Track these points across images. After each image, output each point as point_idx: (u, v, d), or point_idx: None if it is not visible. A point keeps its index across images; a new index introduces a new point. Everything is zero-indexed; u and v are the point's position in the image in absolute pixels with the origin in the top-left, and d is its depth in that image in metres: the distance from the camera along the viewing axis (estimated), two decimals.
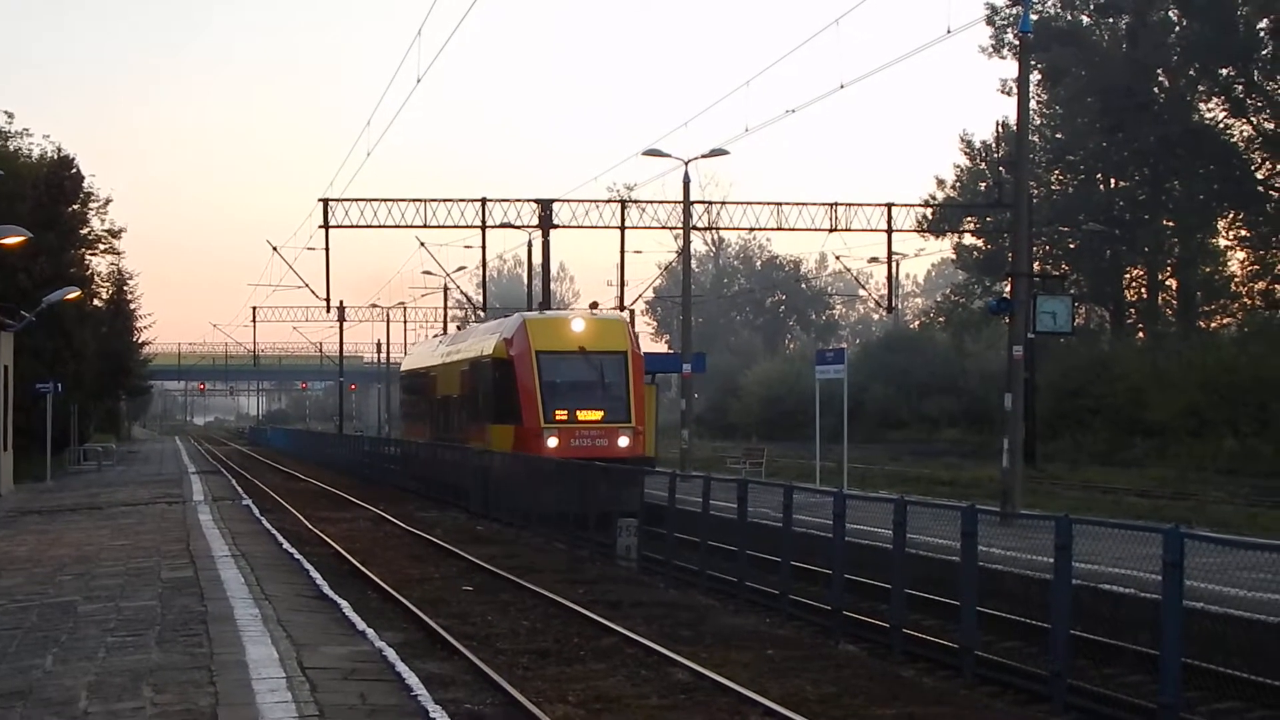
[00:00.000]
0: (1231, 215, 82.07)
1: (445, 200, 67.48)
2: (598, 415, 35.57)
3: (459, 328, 73.43)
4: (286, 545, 30.13)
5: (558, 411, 35.10)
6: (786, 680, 16.40)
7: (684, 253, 64.52)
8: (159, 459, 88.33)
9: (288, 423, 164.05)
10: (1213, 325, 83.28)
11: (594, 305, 49.69)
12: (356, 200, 66.34)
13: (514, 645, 18.93)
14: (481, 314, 69.96)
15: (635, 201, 70.20)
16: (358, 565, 27.50)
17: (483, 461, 38.91)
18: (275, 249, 76.64)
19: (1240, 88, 78.57)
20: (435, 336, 72.43)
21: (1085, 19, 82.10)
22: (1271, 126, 77.63)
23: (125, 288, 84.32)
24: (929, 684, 17.30)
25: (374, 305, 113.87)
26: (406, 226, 67.82)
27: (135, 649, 15.95)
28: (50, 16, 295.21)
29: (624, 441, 34.87)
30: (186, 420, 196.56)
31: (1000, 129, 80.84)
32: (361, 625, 18.23)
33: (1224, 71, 78.17)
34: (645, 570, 28.59)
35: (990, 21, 78.44)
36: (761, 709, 14.65)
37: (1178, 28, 79.91)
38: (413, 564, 29.03)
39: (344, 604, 20.26)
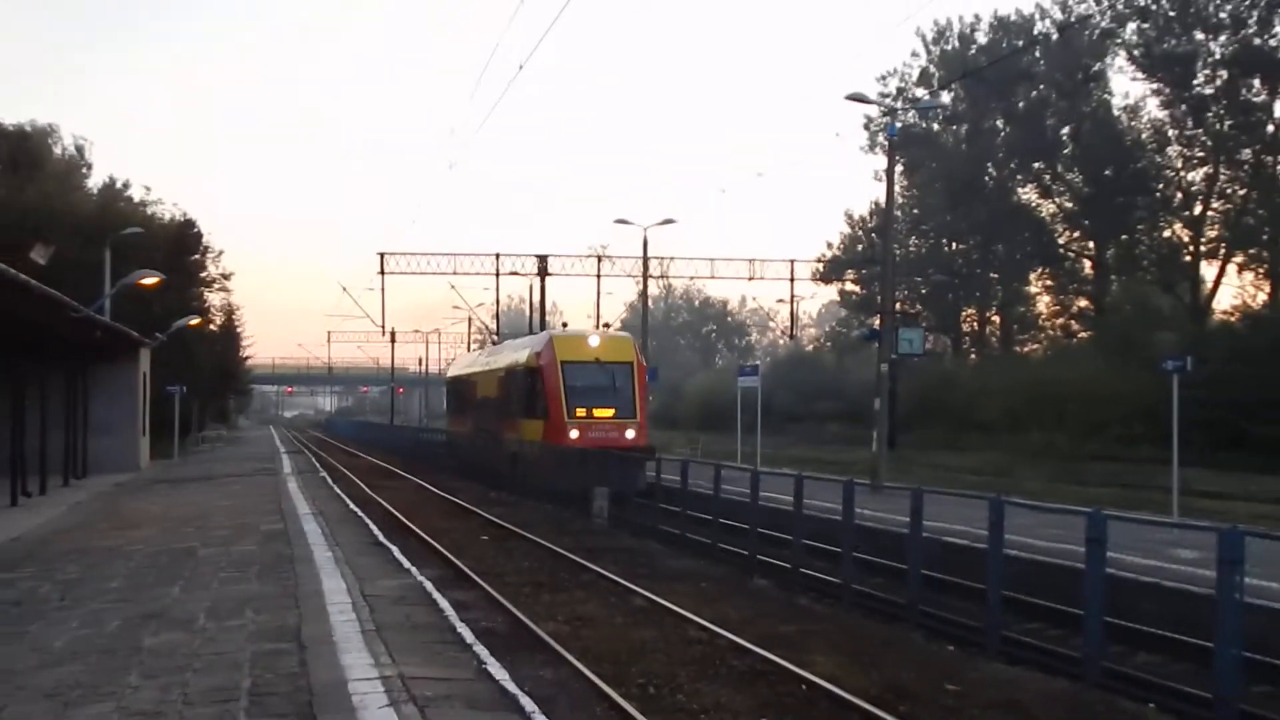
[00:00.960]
0: (1040, 270, 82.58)
1: (469, 254, 68.99)
2: (610, 412, 34.53)
3: (480, 347, 72.56)
4: (352, 506, 30.05)
5: (578, 409, 34.04)
6: (715, 606, 16.46)
7: (643, 295, 65.50)
8: (257, 443, 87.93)
9: (352, 417, 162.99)
10: (1025, 350, 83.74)
11: (606, 325, 50.12)
12: (405, 254, 67.15)
13: (517, 579, 18.94)
14: (495, 339, 70.00)
15: (608, 257, 70.84)
16: (404, 520, 27.42)
17: (513, 448, 38.36)
18: (345, 289, 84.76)
19: (1047, 177, 79.08)
20: (475, 350, 70.40)
21: (936, 126, 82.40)
22: (1070, 205, 78.18)
23: (233, 316, 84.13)
24: (819, 609, 17.44)
25: (416, 330, 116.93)
26: (440, 274, 68.66)
27: (240, 582, 15.94)
28: (172, 94, 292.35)
29: (630, 434, 34.21)
30: (278, 414, 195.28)
31: (873, 206, 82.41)
32: (407, 564, 18.25)
33: (1036, 165, 78.61)
34: (614, 526, 28.71)
35: (867, 129, 79.12)
36: (696, 625, 14.79)
37: (1003, 133, 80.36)
38: (444, 520, 28.97)
39: (394, 549, 20.25)
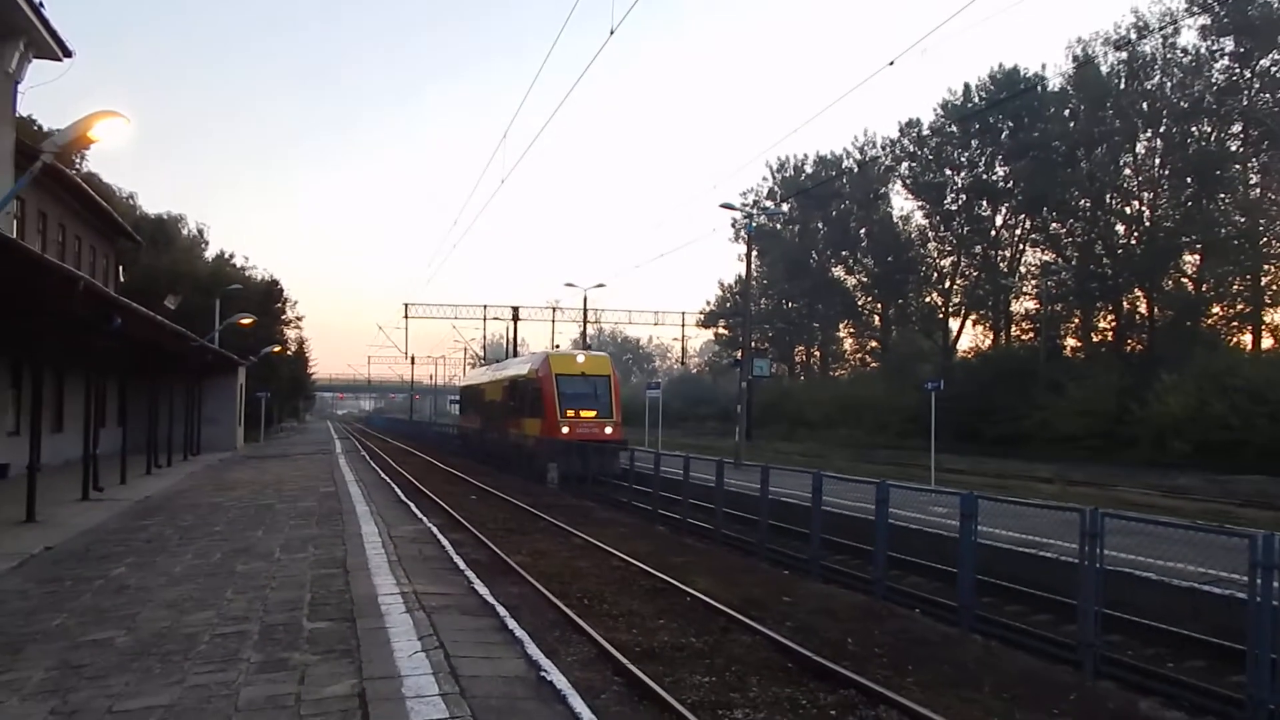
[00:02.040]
0: (845, 321, 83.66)
1: (465, 304, 69.60)
2: (593, 414, 31.29)
3: (482, 364, 71.29)
4: (383, 475, 29.62)
5: (568, 410, 30.98)
6: (629, 543, 16.36)
7: (583, 334, 65.23)
8: (317, 432, 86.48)
9: (384, 415, 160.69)
10: (835, 374, 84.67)
11: (588, 346, 49.68)
12: (421, 304, 66.95)
13: (495, 526, 18.73)
14: (484, 361, 69.68)
15: (560, 308, 70.78)
16: (419, 485, 27.07)
17: (517, 440, 34.98)
18: (380, 327, 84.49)
19: (850, 261, 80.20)
20: (481, 366, 65.25)
21: (778, 225, 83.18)
22: (865, 279, 79.30)
23: (303, 345, 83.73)
24: (699, 546, 17.32)
25: (429, 355, 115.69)
26: (445, 318, 68.74)
27: (304, 527, 15.58)
28: (264, 183, 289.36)
29: (609, 430, 31.09)
30: (333, 412, 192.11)
31: (737, 277, 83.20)
32: (420, 515, 17.93)
33: (843, 252, 79.73)
34: (562, 490, 28.42)
35: (733, 226, 78.97)
36: (617, 557, 14.73)
37: (822, 231, 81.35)
38: (446, 485, 28.64)
39: (412, 505, 19.93)
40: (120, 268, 39.19)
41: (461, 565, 11.96)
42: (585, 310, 61.06)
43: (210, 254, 66.10)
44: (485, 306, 69.01)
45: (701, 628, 10.29)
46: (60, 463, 26.27)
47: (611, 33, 16.68)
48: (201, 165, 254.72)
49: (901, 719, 7.26)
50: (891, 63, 32.50)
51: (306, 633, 8.11)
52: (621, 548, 15.64)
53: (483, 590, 10.26)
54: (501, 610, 9.23)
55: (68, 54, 22.82)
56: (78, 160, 47.12)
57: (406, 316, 68.07)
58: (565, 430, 30.60)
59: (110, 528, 15.82)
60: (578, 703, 6.35)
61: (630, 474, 25.10)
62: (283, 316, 67.72)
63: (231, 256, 67.18)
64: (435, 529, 15.71)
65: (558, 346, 63.87)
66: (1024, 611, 12.13)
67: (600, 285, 60.76)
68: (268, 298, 61.85)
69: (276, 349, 58.00)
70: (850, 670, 8.42)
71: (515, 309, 66.25)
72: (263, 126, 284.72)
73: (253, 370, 50.98)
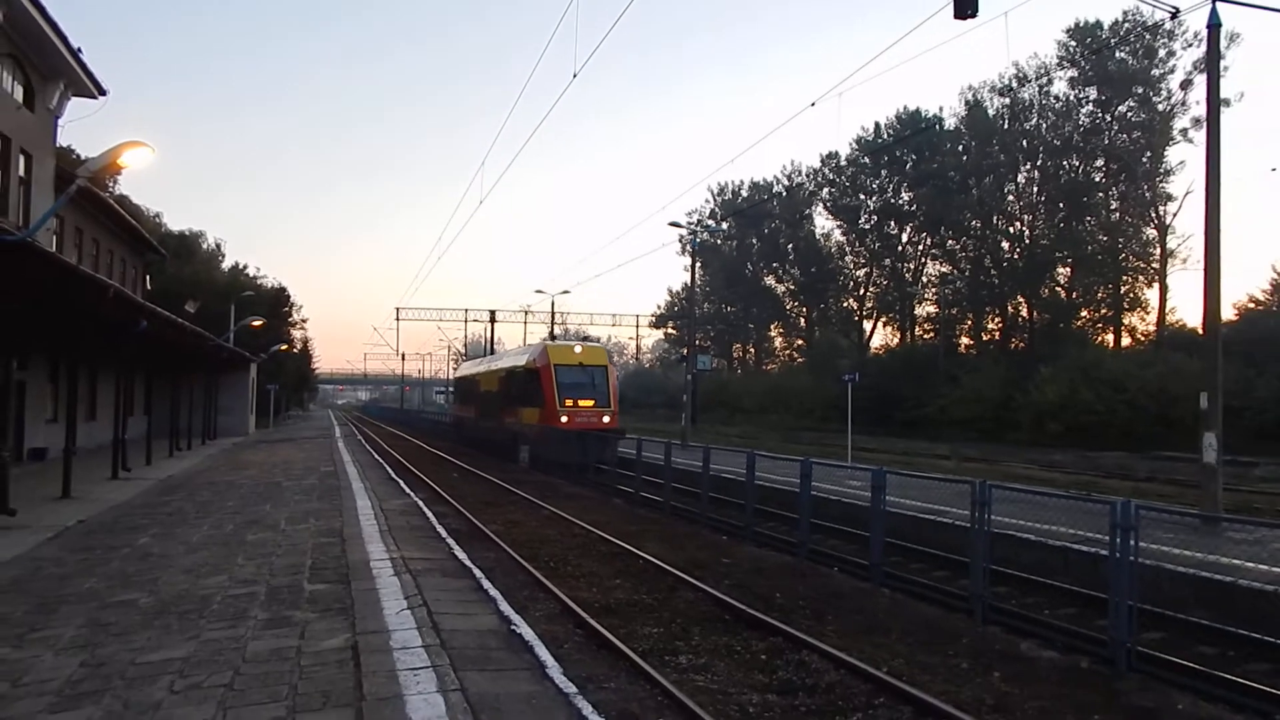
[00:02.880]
0: (775, 323, 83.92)
1: (449, 308, 68.61)
2: (590, 403, 27.71)
3: (456, 365, 70.16)
4: (376, 456, 29.29)
5: (567, 400, 27.38)
6: (590, 514, 16.27)
7: (551, 334, 64.47)
8: (320, 420, 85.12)
9: (378, 404, 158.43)
10: (767, 368, 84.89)
11: (586, 338, 47.61)
12: (411, 308, 66.00)
13: (474, 499, 18.50)
14: (466, 358, 68.83)
15: (531, 311, 69.84)
16: (407, 464, 26.78)
17: (515, 429, 30.60)
18: (375, 328, 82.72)
19: (780, 271, 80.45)
20: (477, 358, 58.88)
21: (719, 240, 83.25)
22: (792, 287, 79.58)
23: (308, 344, 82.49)
24: (651, 516, 17.21)
25: (417, 353, 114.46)
26: (431, 320, 67.64)
27: (307, 502, 15.31)
28: (277, 200, 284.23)
29: (606, 419, 27.63)
30: (334, 402, 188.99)
31: (683, 285, 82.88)
32: (408, 490, 17.72)
33: (774, 264, 79.92)
34: (532, 468, 28.14)
35: (680, 240, 78.72)
36: (580, 526, 14.61)
37: (756, 246, 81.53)
38: (431, 464, 28.37)
39: (400, 482, 19.67)
40: (147, 277, 38.28)
41: (444, 534, 11.81)
42: (553, 313, 60.73)
43: (227, 265, 64.76)
44: (466, 310, 68.57)
45: (652, 586, 10.24)
46: (94, 446, 25.67)
47: (574, 75, 16.56)
48: (220, 187, 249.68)
49: (822, 662, 7.27)
50: (813, 104, 32.56)
51: (307, 594, 7.95)
52: (584, 518, 15.54)
53: (461, 555, 10.13)
54: (478, 573, 9.12)
55: (103, 92, 22.38)
56: (111, 184, 45.86)
57: (398, 319, 67.23)
58: (564, 419, 27.24)
59: (136, 503, 15.43)
60: (543, 652, 6.28)
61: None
62: (290, 319, 66.84)
63: (245, 267, 65.85)
64: (421, 503, 15.51)
65: (555, 337, 60.94)
66: (925, 569, 12.22)
67: (566, 292, 60.53)
68: (277, 303, 60.88)
69: (284, 347, 57.22)
70: (778, 620, 8.43)
71: (492, 312, 65.83)
72: (277, 152, 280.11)
73: (263, 366, 50.18)
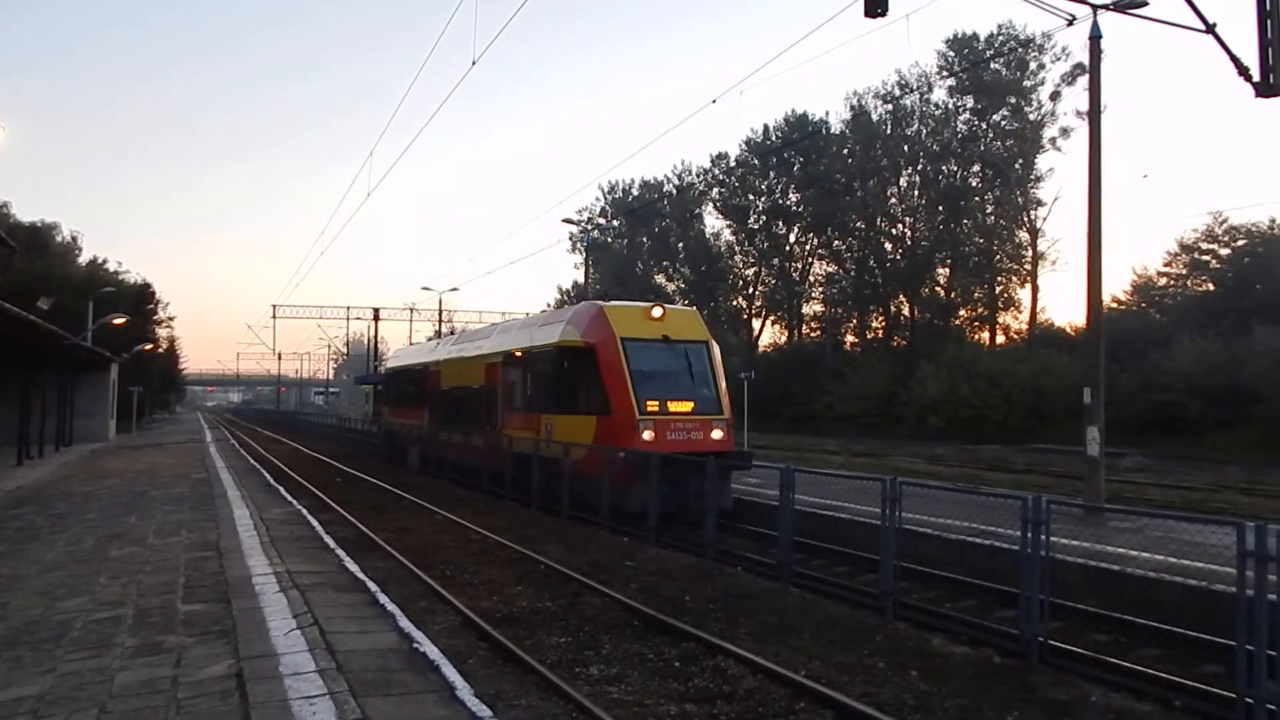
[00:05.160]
0: None
1: (330, 305, 66.18)
2: (688, 406, 16.65)
3: (338, 366, 67.30)
4: (253, 462, 27.85)
5: (649, 402, 16.26)
6: (485, 518, 15.75)
7: (438, 333, 63.21)
8: (188, 423, 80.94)
9: (251, 406, 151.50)
10: None
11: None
12: (289, 305, 63.24)
13: (362, 506, 17.67)
14: (347, 357, 66.52)
15: (417, 310, 67.89)
16: (287, 470, 25.50)
17: (527, 449, 18.52)
18: (249, 326, 78.64)
19: (670, 270, 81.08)
20: (427, 340, 45.27)
21: (610, 239, 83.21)
22: (682, 285, 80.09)
23: (174, 343, 78.49)
24: (549, 520, 16.81)
25: (295, 352, 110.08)
26: (310, 318, 64.73)
27: (178, 512, 14.31)
28: (141, 187, 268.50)
29: (718, 434, 16.56)
30: (202, 404, 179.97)
31: (573, 283, 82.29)
32: (289, 498, 16.85)
33: (665, 263, 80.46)
34: (421, 471, 27.19)
35: (571, 238, 78.35)
36: (475, 531, 14.08)
37: (646, 244, 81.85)
38: (312, 469, 27.09)
39: (281, 489, 18.71)
40: None
41: (331, 544, 11.19)
42: (440, 311, 59.40)
43: (85, 259, 60.73)
44: (348, 308, 65.78)
45: (556, 592, 9.91)
46: None
47: (474, 63, 15.96)
48: (77, 175, 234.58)
49: (739, 667, 7.10)
50: (714, 100, 32.69)
51: (182, 615, 7.30)
52: (479, 522, 15.02)
53: (353, 567, 9.60)
54: (372, 585, 8.63)
55: None
56: None
57: (275, 316, 64.03)
58: (648, 435, 15.88)
59: None
60: (450, 671, 5.90)
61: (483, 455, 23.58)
62: (155, 317, 63.56)
63: (105, 262, 62.00)
64: (305, 510, 14.75)
65: (442, 336, 53.79)
66: (826, 565, 12.31)
67: (454, 289, 59.62)
68: (141, 299, 57.77)
69: (148, 347, 54.26)
70: (690, 625, 8.23)
71: (376, 310, 63.95)
72: (140, 139, 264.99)
73: (125, 366, 47.41)
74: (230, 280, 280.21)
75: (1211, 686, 6.98)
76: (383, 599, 8.00)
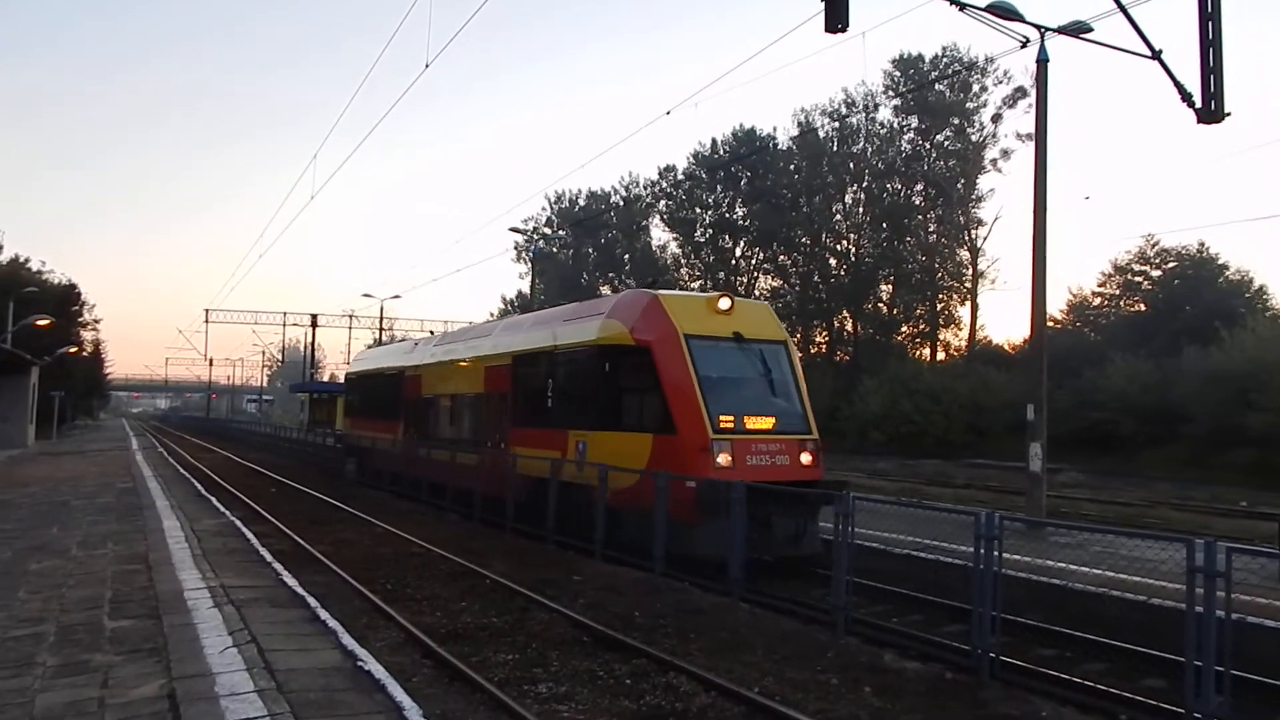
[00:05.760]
0: None
1: (265, 310, 64.51)
2: (769, 423, 12.99)
3: (272, 373, 65.65)
4: (182, 470, 26.99)
5: (722, 418, 12.47)
6: (425, 530, 15.47)
7: (378, 342, 62.17)
8: (113, 430, 78.47)
9: (180, 413, 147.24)
10: None
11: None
12: (222, 310, 61.69)
13: (299, 517, 17.18)
14: (283, 362, 65.07)
15: (356, 316, 66.73)
16: (219, 480, 24.73)
17: (550, 472, 14.81)
18: (180, 330, 76.49)
19: (616, 281, 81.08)
20: (401, 340, 41.35)
21: (556, 248, 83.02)
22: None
23: (99, 346, 76.05)
24: (494, 534, 16.54)
25: (227, 358, 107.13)
26: (245, 323, 63.18)
27: (103, 523, 13.75)
28: (68, 186, 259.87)
29: (806, 458, 13.10)
30: (128, 410, 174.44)
31: (519, 293, 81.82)
32: (222, 509, 16.33)
33: (610, 274, 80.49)
34: (359, 482, 26.56)
35: (517, 248, 78.20)
36: (417, 544, 13.80)
37: (592, 255, 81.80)
38: (246, 479, 26.32)
39: (213, 499, 18.13)
40: None
41: (268, 557, 10.85)
42: (381, 318, 58.53)
43: (5, 257, 58.52)
44: (285, 313, 64.25)
45: (502, 608, 9.72)
46: None
47: (427, 65, 15.73)
48: (2, 173, 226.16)
49: (691, 684, 7.01)
50: (669, 112, 32.83)
51: (109, 632, 6.96)
52: (420, 535, 14.73)
53: (291, 581, 9.30)
54: (311, 601, 8.36)
55: None
56: None
57: (207, 321, 62.26)
58: (724, 458, 12.36)
59: None
60: (397, 690, 5.71)
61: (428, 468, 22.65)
62: (80, 319, 61.51)
63: (27, 261, 59.81)
64: (239, 522, 14.30)
65: (382, 344, 54.14)
66: (775, 580, 12.30)
67: (396, 297, 58.41)
68: (65, 300, 56.01)
69: (72, 350, 52.45)
70: (640, 641, 8.13)
71: (314, 316, 62.80)
72: (75, 142, 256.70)
73: (47, 370, 45.68)
74: (162, 284, 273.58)
75: (1159, 701, 7.11)
76: (323, 615, 7.75)
